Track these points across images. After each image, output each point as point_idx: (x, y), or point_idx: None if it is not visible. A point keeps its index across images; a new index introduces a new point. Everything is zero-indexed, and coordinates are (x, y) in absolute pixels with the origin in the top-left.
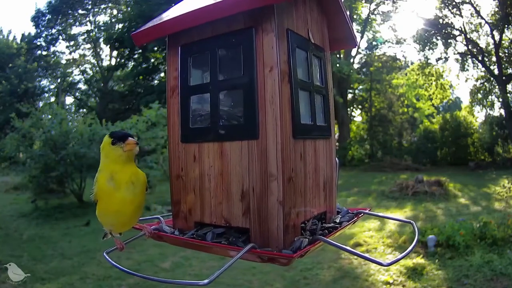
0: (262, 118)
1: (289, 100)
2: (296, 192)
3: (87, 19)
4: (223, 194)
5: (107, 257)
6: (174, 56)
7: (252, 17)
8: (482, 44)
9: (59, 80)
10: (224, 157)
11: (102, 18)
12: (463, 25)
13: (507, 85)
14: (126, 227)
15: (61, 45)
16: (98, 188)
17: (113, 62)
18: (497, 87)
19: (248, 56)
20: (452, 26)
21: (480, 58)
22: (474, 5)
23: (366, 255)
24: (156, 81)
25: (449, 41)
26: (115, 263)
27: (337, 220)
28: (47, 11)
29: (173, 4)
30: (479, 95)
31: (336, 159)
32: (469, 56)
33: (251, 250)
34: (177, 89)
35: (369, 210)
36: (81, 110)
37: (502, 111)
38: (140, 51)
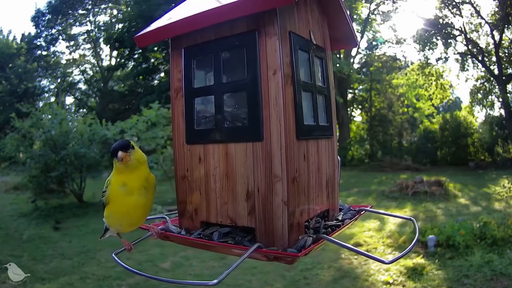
0: (266, 120)
1: (293, 101)
2: (300, 191)
3: (87, 19)
4: (228, 194)
5: (116, 259)
6: (178, 58)
7: (255, 20)
8: (482, 44)
9: (59, 80)
10: (229, 158)
11: (102, 18)
12: (463, 25)
13: (507, 85)
14: (134, 228)
15: (61, 45)
16: (110, 191)
17: (113, 62)
18: (497, 87)
19: (252, 59)
20: (452, 26)
21: (480, 58)
22: (474, 5)
23: (368, 253)
24: (156, 81)
25: (449, 41)
26: (125, 265)
27: (340, 217)
28: (47, 11)
29: (173, 5)
30: (479, 95)
31: (338, 157)
32: (469, 56)
33: (257, 250)
34: (181, 91)
35: (370, 207)
36: (81, 110)
37: (502, 111)
38: (140, 51)
